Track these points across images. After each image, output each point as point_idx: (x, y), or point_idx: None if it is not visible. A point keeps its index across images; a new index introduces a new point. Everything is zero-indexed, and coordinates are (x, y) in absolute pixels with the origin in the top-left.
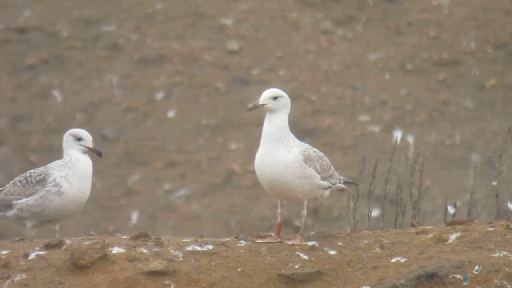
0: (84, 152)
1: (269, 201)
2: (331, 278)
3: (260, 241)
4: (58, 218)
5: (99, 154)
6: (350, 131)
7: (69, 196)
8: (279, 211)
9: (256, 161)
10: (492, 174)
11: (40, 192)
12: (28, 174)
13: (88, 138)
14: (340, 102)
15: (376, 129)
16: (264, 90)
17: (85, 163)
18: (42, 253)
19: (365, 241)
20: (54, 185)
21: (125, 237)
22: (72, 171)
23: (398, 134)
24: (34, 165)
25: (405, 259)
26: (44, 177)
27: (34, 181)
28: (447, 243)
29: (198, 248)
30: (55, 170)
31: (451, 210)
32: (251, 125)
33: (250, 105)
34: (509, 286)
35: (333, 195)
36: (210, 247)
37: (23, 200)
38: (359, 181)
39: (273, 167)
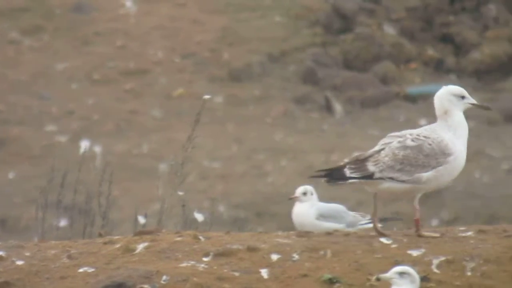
0: None
1: None
2: None
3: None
4: None
5: None
6: (37, 141)
7: None
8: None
9: (463, 156)
10: (176, 183)
11: None
12: None
13: None
14: (27, 112)
15: (63, 139)
16: None
17: None
18: None
19: (53, 251)
20: None
21: None
22: None
23: (86, 144)
24: None
25: (93, 269)
26: None
27: None
28: (134, 253)
29: None
30: None
31: (141, 220)
32: None
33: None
34: None
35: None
36: None
37: None
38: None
39: None
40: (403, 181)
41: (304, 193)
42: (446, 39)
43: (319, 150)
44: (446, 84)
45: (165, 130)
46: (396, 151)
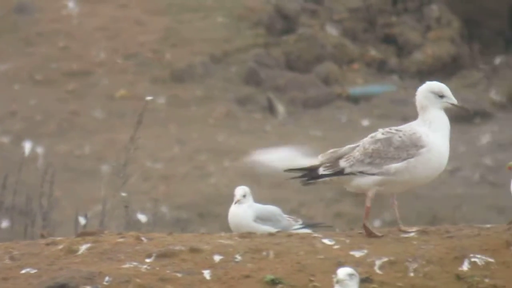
0: None
1: None
2: None
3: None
4: None
5: None
6: None
7: None
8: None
9: (440, 149)
10: (119, 184)
11: None
12: None
13: None
14: None
15: (6, 140)
16: None
17: None
18: None
19: None
20: None
21: None
22: None
23: (28, 145)
24: None
25: (36, 270)
26: None
27: None
28: (77, 254)
29: None
30: None
31: (82, 220)
32: None
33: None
34: None
35: None
36: None
37: None
38: None
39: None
40: (373, 174)
41: (244, 195)
42: (388, 40)
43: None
44: (388, 84)
45: (108, 131)
46: (367, 145)
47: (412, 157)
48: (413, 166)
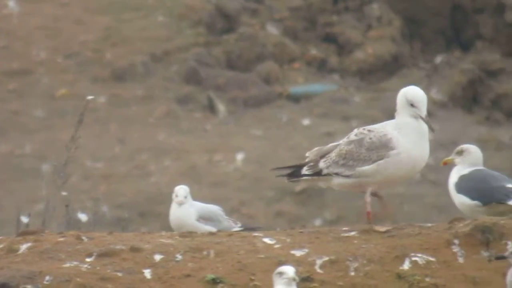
0: None
1: None
2: None
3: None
4: None
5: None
6: None
7: None
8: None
9: (410, 153)
10: (59, 184)
11: None
12: None
13: None
14: None
15: None
16: None
17: None
18: None
19: None
20: None
21: None
22: None
23: None
24: None
25: None
26: None
27: None
28: (18, 253)
29: None
30: None
31: (24, 219)
32: None
33: None
34: None
35: None
36: None
37: None
38: None
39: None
40: (347, 176)
41: (185, 196)
42: (329, 39)
43: (202, 150)
44: (329, 83)
45: (48, 131)
46: (342, 146)
47: (382, 158)
48: (384, 168)
